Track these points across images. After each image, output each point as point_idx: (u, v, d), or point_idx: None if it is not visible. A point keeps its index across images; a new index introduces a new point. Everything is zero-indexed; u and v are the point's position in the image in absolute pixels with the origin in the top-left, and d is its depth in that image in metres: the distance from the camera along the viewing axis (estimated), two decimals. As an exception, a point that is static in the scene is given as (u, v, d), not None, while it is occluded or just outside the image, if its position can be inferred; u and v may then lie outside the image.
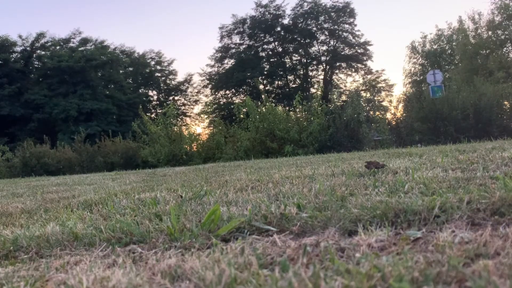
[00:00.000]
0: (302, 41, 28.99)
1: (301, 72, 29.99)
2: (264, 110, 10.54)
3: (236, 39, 29.37)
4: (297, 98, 11.03)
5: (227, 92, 29.72)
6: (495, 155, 1.55)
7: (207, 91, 30.73)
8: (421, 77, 25.15)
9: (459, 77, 18.62)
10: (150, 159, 11.22)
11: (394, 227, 0.63)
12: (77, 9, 42.55)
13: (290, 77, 30.19)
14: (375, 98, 29.26)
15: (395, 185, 0.99)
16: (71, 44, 28.70)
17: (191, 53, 47.17)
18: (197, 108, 32.44)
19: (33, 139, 14.01)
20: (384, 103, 28.76)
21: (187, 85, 31.42)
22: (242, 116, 11.63)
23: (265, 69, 29.51)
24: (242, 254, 0.54)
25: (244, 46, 29.43)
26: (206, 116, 29.48)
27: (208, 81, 30.07)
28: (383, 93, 29.77)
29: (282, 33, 29.09)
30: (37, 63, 28.12)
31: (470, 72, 18.98)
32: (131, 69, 30.93)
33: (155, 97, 32.12)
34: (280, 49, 29.83)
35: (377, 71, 29.44)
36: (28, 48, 27.83)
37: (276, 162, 3.05)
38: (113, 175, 4.07)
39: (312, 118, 10.36)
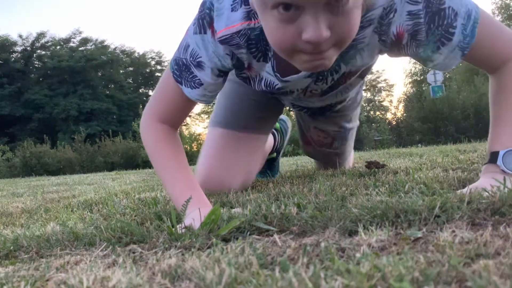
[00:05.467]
0: (302, 41, 28.91)
1: (302, 72, 29.92)
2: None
3: (236, 39, 29.30)
4: (297, 98, 11.00)
5: (227, 92, 29.68)
6: (496, 155, 1.55)
7: (207, 91, 30.62)
8: (422, 77, 25.13)
9: (459, 77, 18.62)
10: (150, 159, 11.20)
11: (394, 227, 0.63)
12: (77, 9, 42.58)
13: (291, 77, 30.16)
14: (376, 98, 29.28)
15: (396, 185, 0.99)
16: (71, 44, 28.73)
17: (191, 53, 47.04)
18: (198, 108, 32.47)
19: (33, 139, 14.02)
20: (385, 103, 28.78)
21: (187, 85, 31.39)
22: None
23: (266, 69, 29.45)
24: (242, 254, 0.54)
25: (244, 46, 29.37)
26: (206, 116, 29.48)
27: (208, 81, 30.05)
28: (383, 93, 29.79)
29: (283, 33, 29.05)
30: (37, 63, 28.14)
31: (470, 72, 18.98)
32: (131, 69, 30.94)
33: (156, 97, 32.09)
34: (281, 49, 29.83)
35: (377, 71, 29.46)
36: (28, 48, 27.85)
37: (276, 162, 3.04)
38: (113, 175, 4.07)
39: (312, 118, 10.34)
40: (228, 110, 1.31)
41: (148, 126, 1.02)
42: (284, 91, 1.07)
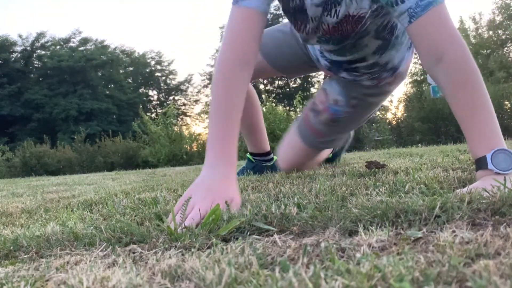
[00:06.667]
0: (302, 41, 28.89)
1: (302, 72, 29.89)
2: (264, 110, 10.54)
3: (236, 38, 29.26)
4: (297, 98, 11.04)
5: (227, 92, 29.63)
6: (496, 155, 1.54)
7: (208, 91, 30.70)
8: (422, 77, 25.11)
9: (459, 77, 18.51)
10: (150, 159, 11.22)
11: (394, 227, 0.63)
12: (77, 9, 42.59)
13: (291, 77, 30.14)
14: (376, 98, 29.20)
15: (396, 185, 0.99)
16: (71, 44, 28.72)
17: (191, 53, 47.16)
18: (198, 108, 32.45)
19: (33, 139, 14.02)
20: (385, 103, 28.77)
21: (187, 85, 31.43)
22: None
23: (266, 69, 29.41)
24: (242, 254, 0.54)
25: (244, 46, 29.33)
26: (206, 116, 29.45)
27: (208, 81, 30.04)
28: (383, 93, 29.70)
29: (283, 33, 29.00)
30: (37, 62, 28.13)
31: (470, 72, 18.87)
32: (131, 69, 30.92)
33: (155, 97, 32.13)
34: (281, 49, 29.79)
35: (377, 71, 29.33)
36: (28, 48, 27.84)
37: (276, 162, 3.04)
38: (113, 175, 4.07)
39: (312, 118, 10.36)
40: (269, 33, 1.39)
41: (223, 66, 0.99)
42: (304, 17, 1.17)
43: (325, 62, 1.40)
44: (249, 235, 0.68)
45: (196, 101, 31.48)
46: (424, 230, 0.59)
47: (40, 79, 27.13)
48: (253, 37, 1.02)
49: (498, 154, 0.84)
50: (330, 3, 1.10)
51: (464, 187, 0.87)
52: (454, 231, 0.57)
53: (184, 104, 31.28)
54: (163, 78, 31.81)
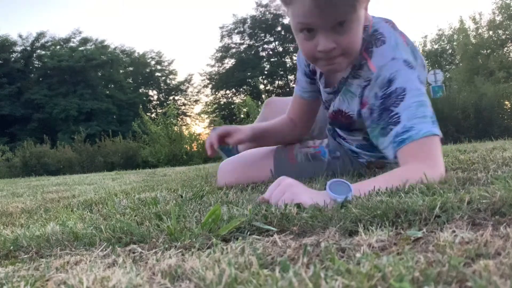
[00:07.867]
0: (302, 41, 28.89)
1: (302, 72, 29.89)
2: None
3: (236, 38, 29.39)
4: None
5: (227, 92, 29.71)
6: (496, 155, 1.54)
7: (207, 91, 30.73)
8: (422, 77, 25.06)
9: (459, 77, 18.62)
10: (150, 159, 11.22)
11: (394, 227, 0.62)
12: (77, 9, 42.59)
13: (291, 77, 30.17)
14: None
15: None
16: (71, 44, 28.72)
17: (191, 53, 47.16)
18: (198, 108, 32.45)
19: (33, 139, 14.01)
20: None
21: (187, 84, 31.42)
22: (242, 116, 11.64)
23: (266, 68, 29.50)
24: (242, 254, 0.54)
25: (244, 46, 29.42)
26: (206, 116, 29.48)
27: (208, 81, 30.07)
28: (383, 93, 29.64)
29: (283, 33, 29.06)
30: (37, 62, 28.12)
31: (470, 72, 18.97)
32: (131, 68, 30.92)
33: (155, 97, 32.13)
34: (281, 49, 29.81)
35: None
36: (28, 48, 27.83)
37: (276, 162, 3.03)
38: (113, 175, 4.07)
39: (312, 118, 10.36)
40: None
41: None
42: (327, 101, 1.36)
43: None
44: (249, 235, 0.68)
45: (196, 101, 31.50)
46: (424, 230, 0.59)
47: (40, 79, 27.11)
48: (292, 108, 1.48)
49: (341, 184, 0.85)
50: (331, 97, 1.30)
51: (464, 187, 0.87)
52: (454, 231, 0.57)
53: (184, 104, 31.27)
54: (163, 78, 31.81)
